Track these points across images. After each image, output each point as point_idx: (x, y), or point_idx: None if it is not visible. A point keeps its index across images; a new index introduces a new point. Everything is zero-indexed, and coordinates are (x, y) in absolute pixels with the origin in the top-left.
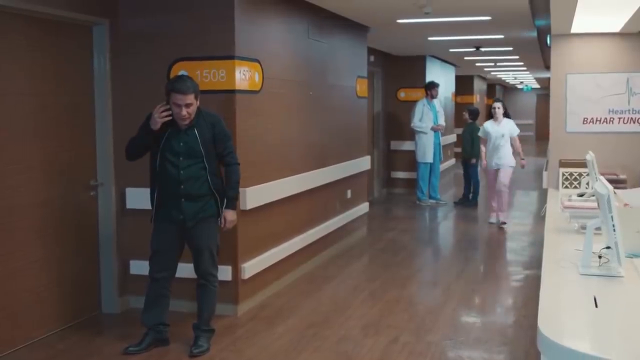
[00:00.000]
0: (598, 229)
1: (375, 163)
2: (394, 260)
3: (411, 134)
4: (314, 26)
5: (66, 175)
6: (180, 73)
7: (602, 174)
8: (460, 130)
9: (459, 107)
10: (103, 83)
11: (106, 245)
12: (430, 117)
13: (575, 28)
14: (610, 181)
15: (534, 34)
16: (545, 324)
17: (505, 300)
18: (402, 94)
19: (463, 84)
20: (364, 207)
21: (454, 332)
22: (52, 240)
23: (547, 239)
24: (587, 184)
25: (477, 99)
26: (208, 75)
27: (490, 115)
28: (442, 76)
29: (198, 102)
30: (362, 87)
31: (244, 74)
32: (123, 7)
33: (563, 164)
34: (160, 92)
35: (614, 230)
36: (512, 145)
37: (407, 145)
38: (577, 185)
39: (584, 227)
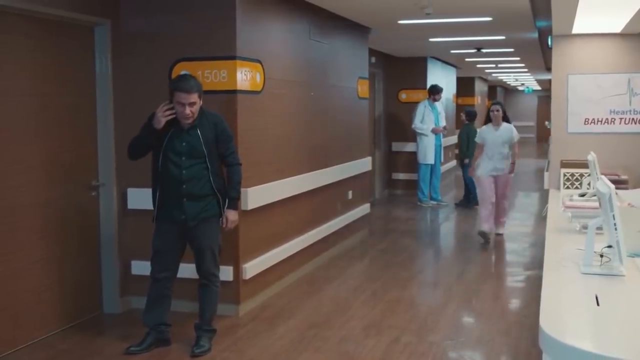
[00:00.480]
0: (599, 228)
1: (377, 164)
2: (395, 261)
3: (412, 136)
4: (315, 27)
5: (68, 175)
6: (182, 72)
7: (604, 175)
8: None
9: (460, 109)
10: (105, 83)
11: (107, 246)
12: (432, 118)
13: (577, 29)
14: (612, 182)
15: (535, 35)
16: (547, 322)
17: (507, 301)
18: (403, 95)
19: (464, 86)
20: (365, 208)
21: (456, 333)
22: (53, 241)
23: (549, 239)
24: (589, 184)
25: (478, 100)
26: (209, 75)
27: (487, 119)
28: (443, 78)
29: (201, 102)
30: (363, 88)
31: (245, 75)
32: (124, 7)
33: (564, 164)
34: (161, 92)
35: (616, 228)
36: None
37: (408, 147)
38: (579, 186)
39: (585, 227)
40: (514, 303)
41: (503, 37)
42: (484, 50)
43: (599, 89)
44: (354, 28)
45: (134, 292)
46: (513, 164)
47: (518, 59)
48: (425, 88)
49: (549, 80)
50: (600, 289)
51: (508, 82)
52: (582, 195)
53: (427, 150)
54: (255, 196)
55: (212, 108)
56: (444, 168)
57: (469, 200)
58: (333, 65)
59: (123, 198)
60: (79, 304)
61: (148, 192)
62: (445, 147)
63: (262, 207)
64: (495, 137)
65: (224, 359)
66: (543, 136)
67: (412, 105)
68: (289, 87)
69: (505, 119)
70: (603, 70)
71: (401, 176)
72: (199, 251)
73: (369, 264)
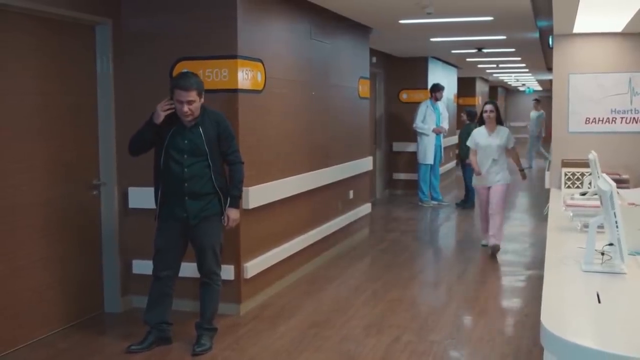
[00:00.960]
0: (601, 227)
1: (378, 164)
2: (396, 261)
3: (413, 136)
4: (317, 27)
5: (69, 174)
6: (183, 71)
7: (605, 174)
8: None
9: (460, 109)
10: (106, 83)
11: (109, 245)
12: (433, 118)
13: (578, 28)
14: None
15: (536, 34)
16: (549, 320)
17: (507, 300)
18: (404, 96)
19: (465, 86)
20: (366, 208)
21: (457, 332)
22: (54, 240)
23: (550, 238)
24: (590, 183)
25: (479, 100)
26: (211, 74)
27: (480, 121)
28: (444, 78)
29: (202, 100)
30: (364, 88)
31: (246, 74)
32: (126, 6)
33: (565, 164)
34: (162, 91)
35: (617, 226)
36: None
37: (409, 147)
38: (580, 185)
39: (586, 226)
40: (515, 302)
41: (504, 37)
42: (484, 50)
43: (600, 89)
44: (355, 28)
45: (135, 292)
46: (522, 170)
47: (519, 59)
48: (426, 88)
49: (550, 81)
50: (601, 287)
51: (509, 83)
52: (583, 194)
53: (427, 150)
54: (257, 195)
55: (213, 107)
56: (444, 168)
57: (469, 200)
58: (334, 65)
59: (124, 197)
60: (80, 303)
61: (149, 191)
62: (445, 148)
63: (263, 206)
64: (489, 141)
65: (225, 357)
66: (545, 137)
67: (413, 106)
68: (290, 87)
69: (499, 120)
70: (604, 70)
71: (402, 176)
72: (200, 250)
73: (370, 263)
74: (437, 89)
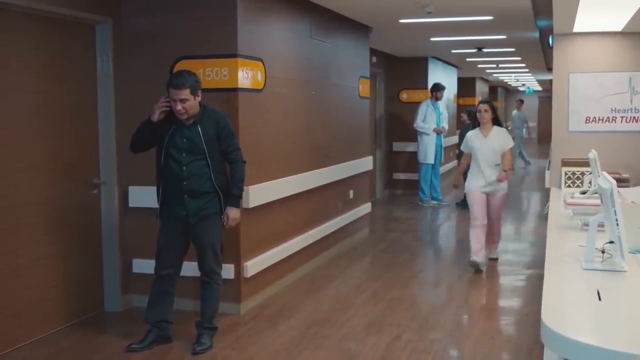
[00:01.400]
0: (601, 225)
1: (378, 164)
2: (396, 261)
3: (414, 136)
4: (317, 26)
5: (69, 173)
6: (180, 69)
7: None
8: None
9: (460, 109)
10: (106, 82)
11: (109, 244)
12: (434, 118)
13: (578, 27)
14: None
15: (536, 34)
16: (549, 317)
17: (508, 299)
18: (404, 95)
19: (465, 86)
20: (366, 208)
21: (457, 330)
22: (55, 239)
23: (550, 237)
24: (590, 182)
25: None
26: (211, 73)
27: (474, 122)
28: (444, 78)
29: (198, 98)
30: (364, 88)
31: (246, 73)
32: (126, 6)
33: (565, 163)
34: (162, 90)
35: (617, 224)
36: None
37: (409, 147)
38: (580, 184)
39: (586, 224)
40: (515, 301)
41: (504, 37)
42: (485, 50)
43: (600, 88)
44: (355, 27)
45: (135, 291)
46: (505, 172)
47: (519, 58)
48: (426, 88)
49: (550, 81)
50: (602, 285)
51: (509, 83)
52: (584, 193)
53: (428, 150)
54: (257, 194)
55: (213, 106)
56: (445, 168)
57: None
58: (334, 64)
59: (124, 196)
60: (80, 302)
61: (149, 190)
62: (445, 147)
63: (263, 206)
64: (485, 144)
65: (225, 356)
66: (544, 136)
67: (413, 105)
68: (290, 86)
69: (497, 121)
70: (604, 69)
71: (402, 176)
72: (200, 248)
73: (370, 263)
74: (438, 88)
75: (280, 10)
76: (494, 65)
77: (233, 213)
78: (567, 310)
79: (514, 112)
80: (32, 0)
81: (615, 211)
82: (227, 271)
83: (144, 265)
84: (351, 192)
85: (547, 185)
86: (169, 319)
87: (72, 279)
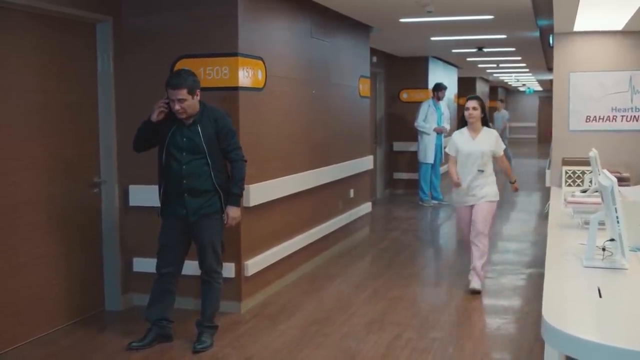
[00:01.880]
0: (602, 224)
1: (378, 164)
2: (397, 260)
3: (414, 135)
4: (317, 25)
5: (69, 172)
6: (180, 69)
7: None
8: None
9: (461, 109)
10: (107, 81)
11: (109, 243)
12: (435, 118)
13: (578, 26)
14: None
15: (537, 34)
16: (550, 313)
17: (508, 298)
18: (404, 95)
19: (465, 86)
20: (366, 207)
21: (457, 329)
22: (55, 237)
23: (551, 235)
24: (590, 181)
25: None
26: (211, 72)
27: (461, 121)
28: (444, 77)
29: (197, 98)
30: (364, 87)
31: (247, 72)
32: (126, 4)
33: (566, 162)
34: (163, 89)
35: (618, 222)
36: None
37: (409, 147)
38: (580, 183)
39: (587, 223)
40: (516, 300)
41: (504, 36)
42: (485, 50)
43: (600, 87)
44: (356, 27)
45: (136, 290)
46: (514, 182)
47: (519, 58)
48: (426, 88)
49: (550, 81)
50: (602, 282)
51: (509, 83)
52: (584, 191)
53: (428, 149)
54: (257, 193)
55: (214, 105)
56: (445, 168)
57: None
58: (334, 63)
59: (125, 195)
60: (80, 301)
61: (149, 189)
62: (446, 147)
63: (263, 204)
64: (473, 147)
65: (225, 355)
66: (544, 137)
67: (414, 105)
68: (290, 85)
69: (486, 121)
70: (604, 68)
71: (402, 176)
72: (200, 247)
73: (371, 262)
74: (440, 88)
75: (280, 9)
76: (495, 65)
77: (233, 212)
78: (568, 307)
79: (495, 112)
80: None
81: (616, 208)
82: (228, 270)
83: (145, 264)
84: (352, 191)
85: (547, 184)
86: (169, 317)
87: (72, 277)
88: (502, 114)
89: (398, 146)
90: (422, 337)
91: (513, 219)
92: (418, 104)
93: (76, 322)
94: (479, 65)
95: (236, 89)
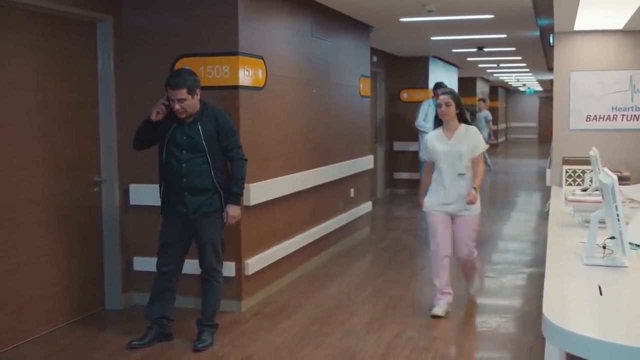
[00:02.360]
0: (602, 222)
1: (378, 163)
2: (397, 259)
3: (414, 135)
4: (317, 24)
5: (70, 171)
6: (182, 68)
7: None
8: None
9: None
10: (107, 80)
11: (110, 242)
12: None
13: (579, 25)
14: None
15: (537, 33)
16: (551, 310)
17: (509, 297)
18: (405, 95)
19: (466, 86)
20: (367, 206)
21: (458, 328)
22: (55, 236)
23: (551, 233)
24: (591, 179)
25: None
26: (212, 71)
27: (436, 120)
28: (444, 77)
29: (197, 97)
30: (365, 87)
31: (247, 71)
32: (127, 3)
33: (566, 161)
34: (163, 88)
35: (619, 220)
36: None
37: (410, 146)
38: (581, 183)
39: (587, 221)
40: (516, 299)
41: (504, 36)
42: (485, 50)
43: (600, 86)
44: (356, 26)
45: (136, 289)
46: (475, 188)
47: (519, 58)
48: (427, 87)
49: (551, 81)
50: (603, 280)
51: (509, 83)
52: (584, 190)
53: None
54: (258, 192)
55: (214, 103)
56: None
57: None
58: (335, 63)
59: (125, 194)
60: (81, 300)
61: (150, 188)
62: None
63: (264, 203)
64: (450, 148)
65: (225, 353)
66: (545, 137)
67: (414, 105)
68: (291, 84)
69: (463, 118)
70: (605, 67)
71: (403, 176)
72: (200, 245)
73: (371, 261)
74: (440, 87)
75: (281, 8)
76: (495, 65)
77: (233, 211)
78: (569, 305)
79: (477, 113)
80: None
81: (616, 206)
82: (228, 269)
83: (145, 263)
84: (352, 190)
85: (547, 183)
86: (169, 315)
87: (73, 276)
88: (484, 114)
89: (398, 146)
90: (423, 336)
91: (513, 218)
92: (418, 103)
93: (76, 321)
94: (479, 65)
95: (236, 88)
